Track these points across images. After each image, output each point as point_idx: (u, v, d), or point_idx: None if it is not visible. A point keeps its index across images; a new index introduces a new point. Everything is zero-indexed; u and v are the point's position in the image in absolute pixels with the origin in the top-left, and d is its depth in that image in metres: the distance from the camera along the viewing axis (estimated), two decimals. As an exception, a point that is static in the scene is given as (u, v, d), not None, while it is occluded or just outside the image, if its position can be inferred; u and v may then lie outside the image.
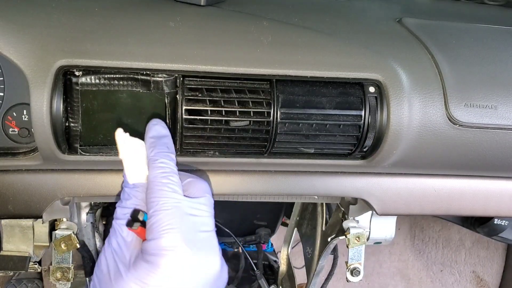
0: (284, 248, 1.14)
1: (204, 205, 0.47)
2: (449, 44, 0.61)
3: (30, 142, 0.54)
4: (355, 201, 0.69)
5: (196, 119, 0.50)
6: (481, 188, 0.66)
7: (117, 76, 0.49)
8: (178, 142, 0.52)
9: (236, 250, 1.29)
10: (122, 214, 0.47)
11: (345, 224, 0.74)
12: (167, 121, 0.51)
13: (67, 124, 0.50)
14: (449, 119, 0.56)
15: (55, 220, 0.66)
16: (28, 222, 0.66)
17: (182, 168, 0.59)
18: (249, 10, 0.60)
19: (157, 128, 0.49)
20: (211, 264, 0.44)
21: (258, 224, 1.23)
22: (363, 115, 0.53)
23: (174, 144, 0.53)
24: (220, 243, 1.29)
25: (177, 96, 0.50)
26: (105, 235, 0.90)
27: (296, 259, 1.21)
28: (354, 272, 0.77)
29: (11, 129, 0.53)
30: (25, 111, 0.53)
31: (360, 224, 0.75)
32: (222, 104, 0.50)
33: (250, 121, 0.51)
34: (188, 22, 0.55)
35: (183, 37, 0.53)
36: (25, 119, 0.53)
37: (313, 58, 0.54)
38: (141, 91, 0.50)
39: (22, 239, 0.66)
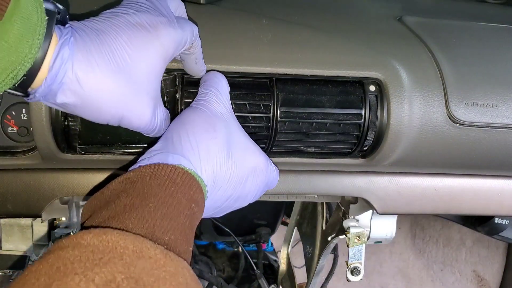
0: (284, 247, 1.14)
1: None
2: (449, 42, 0.61)
3: (29, 141, 0.54)
4: (355, 200, 0.69)
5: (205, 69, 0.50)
6: (481, 187, 0.65)
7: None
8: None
9: (236, 249, 1.29)
10: None
11: (346, 223, 0.74)
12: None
13: (66, 123, 0.50)
14: (450, 118, 0.56)
15: (54, 219, 0.66)
16: (27, 221, 0.66)
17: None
18: (248, 8, 0.60)
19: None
20: None
21: (258, 223, 1.23)
22: (363, 114, 0.53)
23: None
24: (220, 242, 1.29)
25: (177, 95, 0.50)
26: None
27: (296, 259, 1.21)
28: (355, 271, 0.77)
29: (10, 128, 0.53)
30: (24, 110, 0.53)
31: (360, 223, 0.75)
32: None
33: (249, 117, 0.51)
34: (188, 20, 0.55)
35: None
36: (24, 118, 0.53)
37: (313, 57, 0.54)
38: None
39: (21, 238, 0.66)
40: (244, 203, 0.50)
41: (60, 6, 0.39)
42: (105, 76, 0.38)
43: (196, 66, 0.49)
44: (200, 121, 0.45)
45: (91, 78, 0.38)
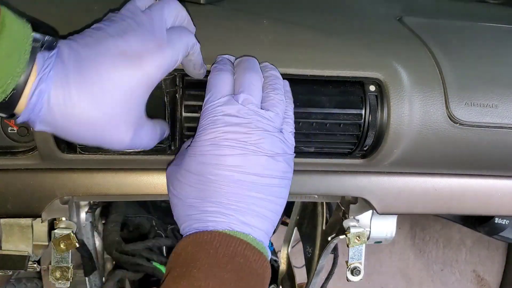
0: (284, 247, 1.14)
1: None
2: (449, 42, 0.61)
3: (29, 141, 0.54)
4: (355, 200, 0.69)
5: (196, 117, 0.50)
6: (482, 187, 0.65)
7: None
8: (177, 141, 0.52)
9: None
10: None
11: (346, 223, 0.74)
12: (167, 120, 0.51)
13: (66, 123, 0.49)
14: (450, 118, 0.56)
15: (54, 219, 0.66)
16: (27, 221, 0.65)
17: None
18: (249, 8, 0.60)
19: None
20: None
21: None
22: (363, 114, 0.53)
23: (174, 143, 0.53)
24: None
25: (177, 95, 0.50)
26: (104, 234, 0.90)
27: (296, 259, 1.21)
28: (355, 271, 0.77)
29: (9, 128, 0.53)
30: (24, 110, 0.53)
31: (360, 223, 0.75)
32: None
33: None
34: (188, 20, 0.54)
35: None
36: (24, 118, 0.53)
37: (313, 57, 0.54)
38: None
39: (21, 238, 0.66)
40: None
41: (46, 37, 0.39)
42: (81, 111, 0.39)
43: (195, 71, 0.49)
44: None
45: (67, 113, 0.39)
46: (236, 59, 0.51)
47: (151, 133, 0.46)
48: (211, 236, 0.42)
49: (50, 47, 0.39)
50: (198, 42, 0.47)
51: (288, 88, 0.51)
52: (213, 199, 0.43)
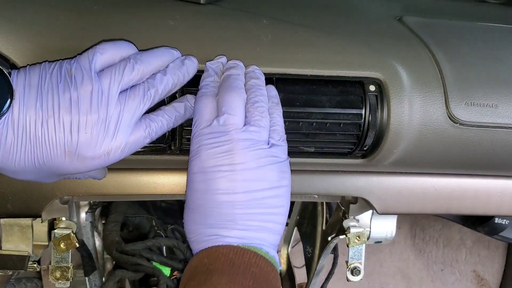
0: (284, 247, 1.14)
1: None
2: (449, 42, 0.61)
3: (29, 141, 0.53)
4: (355, 200, 0.69)
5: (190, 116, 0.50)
6: (481, 187, 0.65)
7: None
8: (177, 141, 0.52)
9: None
10: None
11: (346, 223, 0.74)
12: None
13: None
14: (450, 118, 0.56)
15: (54, 219, 0.66)
16: (27, 221, 0.65)
17: (182, 167, 0.59)
18: (248, 8, 0.60)
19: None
20: None
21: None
22: (363, 114, 0.53)
23: (174, 143, 0.53)
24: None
25: (177, 95, 0.50)
26: (104, 234, 0.90)
27: (296, 259, 1.21)
28: (355, 271, 0.77)
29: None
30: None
31: (360, 223, 0.75)
32: None
33: None
34: (188, 20, 0.55)
35: (183, 36, 0.52)
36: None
37: (313, 57, 0.54)
38: None
39: (21, 238, 0.66)
40: None
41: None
42: (6, 172, 0.44)
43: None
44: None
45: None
46: (225, 65, 0.51)
47: (81, 175, 0.51)
48: (226, 249, 0.43)
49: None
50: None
51: (274, 92, 0.50)
52: (212, 222, 0.44)
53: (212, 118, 0.46)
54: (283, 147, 0.48)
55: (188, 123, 0.50)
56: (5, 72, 0.40)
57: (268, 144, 0.46)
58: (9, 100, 0.40)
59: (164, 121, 0.47)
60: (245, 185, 0.44)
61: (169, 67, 0.47)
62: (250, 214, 0.44)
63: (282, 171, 0.46)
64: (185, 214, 0.47)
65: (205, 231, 0.44)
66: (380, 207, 0.64)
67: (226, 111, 0.45)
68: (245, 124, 0.46)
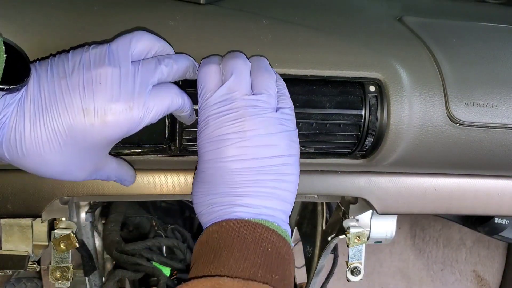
0: (284, 247, 1.13)
1: None
2: (449, 42, 0.61)
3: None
4: (355, 200, 0.69)
5: (196, 117, 0.50)
6: (481, 187, 0.65)
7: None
8: (177, 141, 0.52)
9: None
10: None
11: (346, 223, 0.74)
12: (167, 121, 0.51)
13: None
14: (450, 118, 0.56)
15: (54, 219, 0.66)
16: (27, 221, 0.66)
17: (182, 167, 0.59)
18: (248, 8, 0.59)
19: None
20: None
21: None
22: (363, 115, 0.53)
23: (174, 143, 0.53)
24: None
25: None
26: (104, 234, 0.90)
27: (296, 259, 1.21)
28: (355, 271, 0.77)
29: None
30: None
31: (360, 223, 0.75)
32: None
33: None
34: (188, 20, 0.55)
35: (183, 36, 0.52)
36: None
37: (313, 57, 0.54)
38: None
39: (21, 238, 0.66)
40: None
41: (5, 87, 0.38)
42: (31, 160, 0.40)
43: (179, 118, 0.49)
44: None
45: (18, 161, 0.41)
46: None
47: (111, 173, 0.49)
48: (237, 223, 0.42)
49: (13, 92, 0.39)
50: (189, 98, 0.46)
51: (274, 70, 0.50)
52: (223, 190, 0.44)
53: (218, 86, 0.45)
54: (292, 117, 0.47)
55: (188, 124, 0.50)
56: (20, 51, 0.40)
57: (277, 111, 0.46)
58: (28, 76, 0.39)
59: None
60: (256, 152, 0.43)
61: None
62: (262, 180, 0.44)
63: (291, 140, 0.46)
64: (194, 188, 0.47)
65: (216, 201, 0.44)
66: (380, 207, 0.64)
67: (231, 78, 0.45)
68: (253, 92, 0.45)
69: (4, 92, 0.38)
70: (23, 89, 0.39)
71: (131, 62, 0.42)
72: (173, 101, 0.44)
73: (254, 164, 0.43)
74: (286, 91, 0.49)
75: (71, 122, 0.39)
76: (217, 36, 0.53)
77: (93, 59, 0.41)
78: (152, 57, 0.44)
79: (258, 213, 0.43)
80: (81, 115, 0.39)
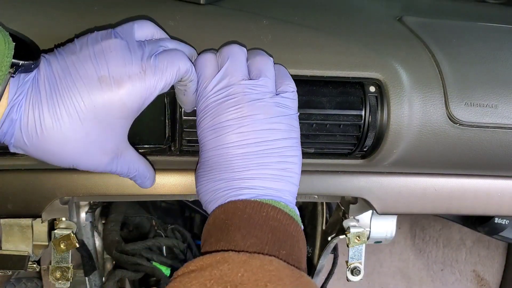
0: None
1: None
2: (449, 42, 0.61)
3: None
4: (355, 200, 0.69)
5: (195, 119, 0.50)
6: (481, 187, 0.65)
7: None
8: (177, 142, 0.52)
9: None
10: None
11: (345, 223, 0.74)
12: (167, 121, 0.51)
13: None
14: (450, 118, 0.56)
15: (54, 219, 0.66)
16: (27, 221, 0.66)
17: (182, 168, 0.59)
18: (248, 8, 0.60)
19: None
20: None
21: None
22: (363, 115, 0.53)
23: (174, 143, 0.53)
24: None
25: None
26: (104, 234, 0.90)
27: (296, 258, 1.21)
28: (355, 271, 0.77)
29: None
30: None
31: (360, 223, 0.75)
32: None
33: None
34: (188, 20, 0.55)
35: (183, 36, 0.52)
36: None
37: (313, 57, 0.54)
38: None
39: (21, 238, 0.66)
40: None
41: (24, 62, 0.37)
42: (53, 140, 0.39)
43: (184, 98, 0.48)
44: None
45: (38, 143, 0.39)
46: None
47: (132, 164, 0.47)
48: (243, 203, 0.42)
49: (27, 69, 0.38)
50: (195, 68, 0.46)
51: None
52: (227, 176, 0.44)
53: (215, 73, 0.45)
54: (294, 101, 0.47)
55: (188, 124, 0.50)
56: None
57: (276, 95, 0.46)
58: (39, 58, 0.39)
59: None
60: (256, 136, 0.44)
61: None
62: (265, 163, 0.44)
63: (291, 124, 0.46)
64: (198, 180, 0.47)
65: (220, 187, 0.44)
66: (380, 207, 0.64)
67: (228, 61, 0.45)
68: (250, 77, 0.45)
69: (18, 70, 0.37)
70: (35, 70, 0.39)
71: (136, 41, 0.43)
72: (182, 63, 0.43)
73: (256, 148, 0.44)
74: (288, 75, 0.49)
75: (88, 92, 0.39)
76: (217, 36, 0.53)
77: (100, 36, 0.42)
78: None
79: (264, 194, 0.44)
80: (97, 83, 0.39)
